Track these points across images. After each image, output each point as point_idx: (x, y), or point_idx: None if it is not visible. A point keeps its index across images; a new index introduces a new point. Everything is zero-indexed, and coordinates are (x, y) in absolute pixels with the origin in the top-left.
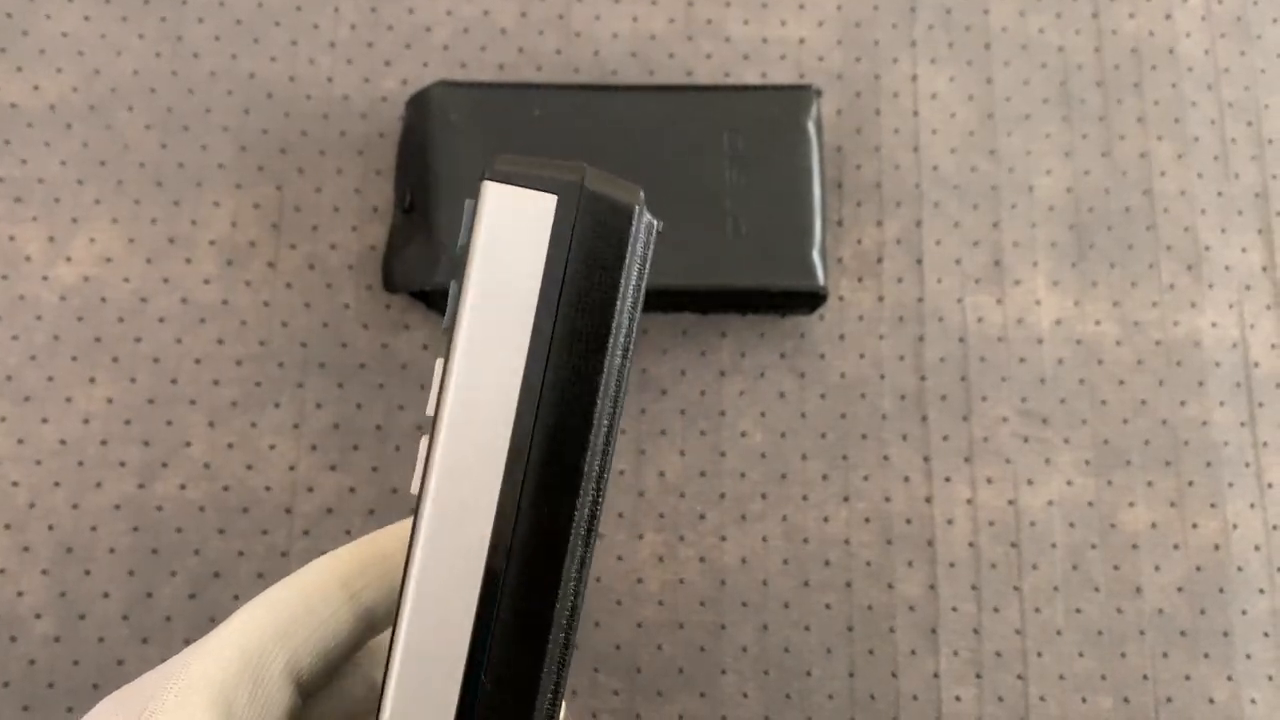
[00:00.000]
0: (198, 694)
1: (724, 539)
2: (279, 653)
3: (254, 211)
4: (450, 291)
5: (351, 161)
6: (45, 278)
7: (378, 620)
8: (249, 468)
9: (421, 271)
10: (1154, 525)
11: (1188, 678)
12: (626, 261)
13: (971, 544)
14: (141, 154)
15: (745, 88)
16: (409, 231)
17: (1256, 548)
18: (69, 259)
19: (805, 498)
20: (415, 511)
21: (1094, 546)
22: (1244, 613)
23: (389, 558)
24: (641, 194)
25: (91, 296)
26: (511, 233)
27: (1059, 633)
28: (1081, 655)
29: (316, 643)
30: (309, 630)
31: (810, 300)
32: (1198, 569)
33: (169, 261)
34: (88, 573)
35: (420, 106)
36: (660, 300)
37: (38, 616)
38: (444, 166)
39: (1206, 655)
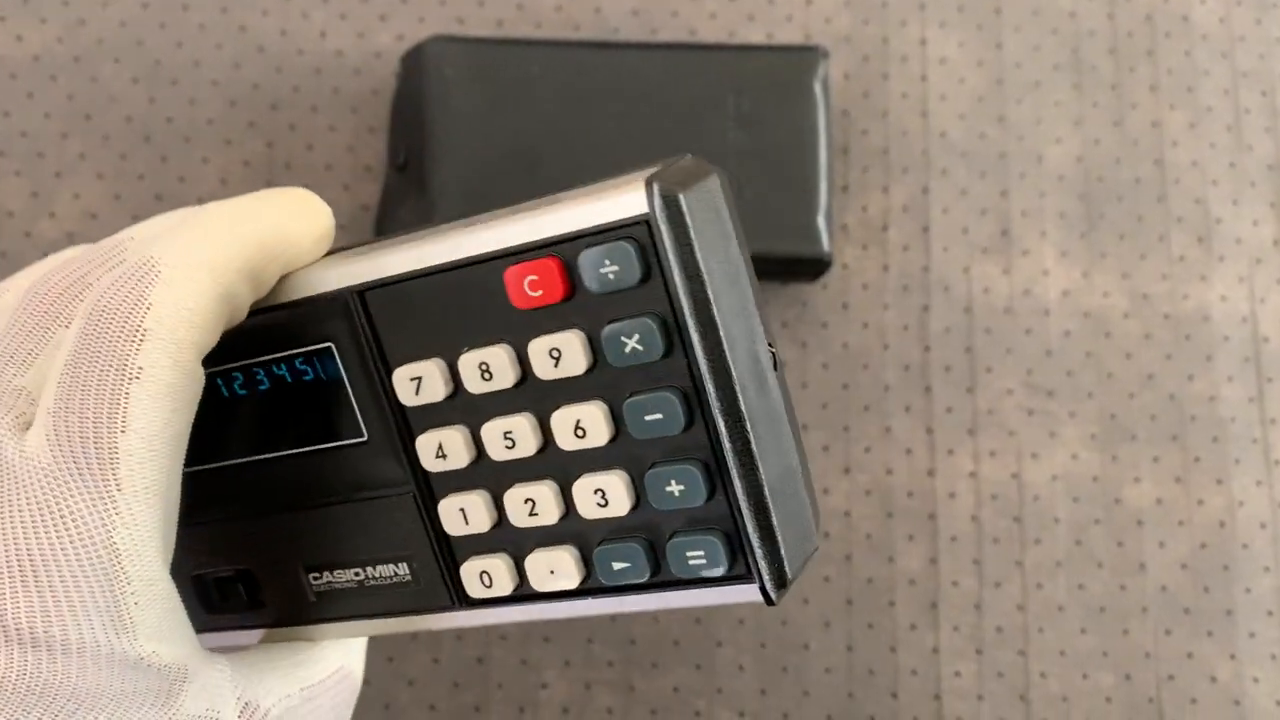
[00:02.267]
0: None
1: None
2: (177, 470)
3: (244, 169)
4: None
5: (344, 118)
6: (28, 234)
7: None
8: None
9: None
10: (1159, 501)
11: (1190, 656)
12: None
13: (974, 518)
14: (128, 108)
15: (750, 48)
16: (403, 190)
17: (1262, 525)
18: (52, 215)
19: None
20: None
21: (1098, 522)
22: (1248, 591)
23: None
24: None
25: None
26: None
27: (1061, 609)
28: (1083, 632)
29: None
30: (188, 422)
31: (813, 267)
32: (1202, 546)
33: None
34: None
35: (415, 62)
36: None
37: None
38: (439, 124)
39: (1209, 633)
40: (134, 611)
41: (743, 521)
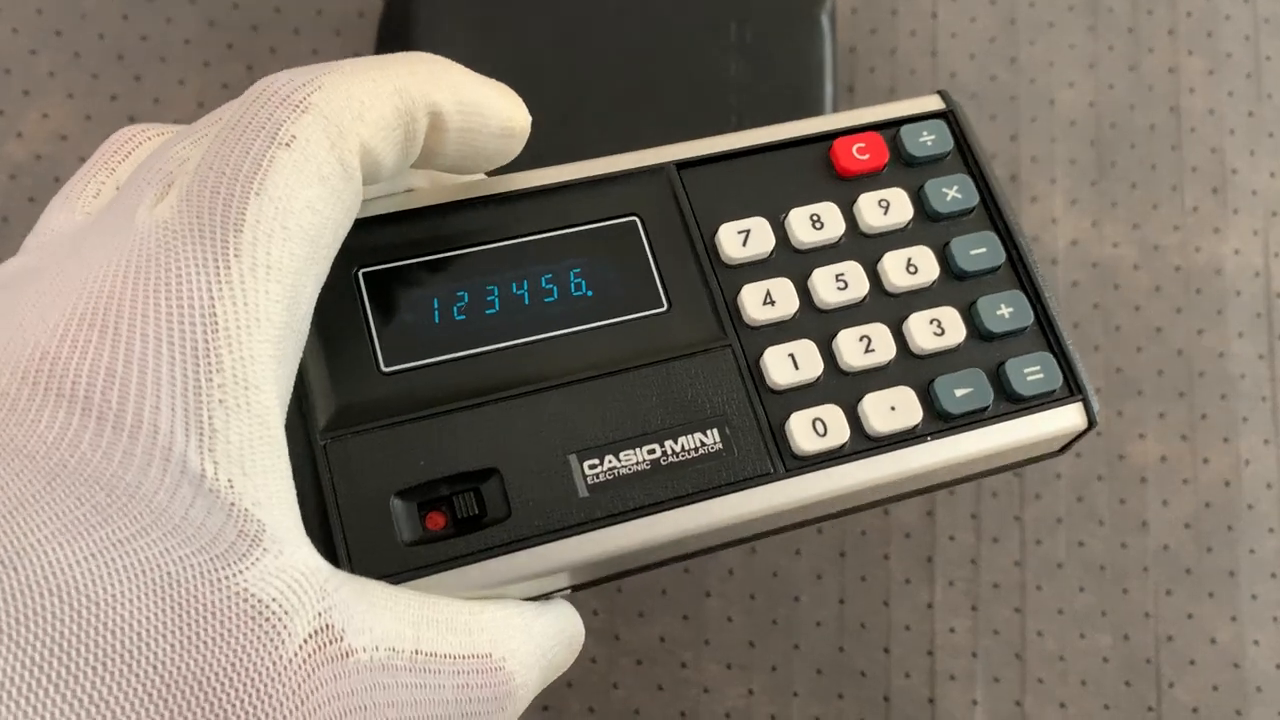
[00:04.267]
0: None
1: None
2: (312, 285)
3: (222, 92)
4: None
5: (328, 42)
6: None
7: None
8: None
9: None
10: (1163, 458)
11: (1190, 616)
12: None
13: None
14: (101, 24)
15: None
16: None
17: (1269, 485)
18: (20, 135)
19: None
20: None
21: (1100, 478)
22: (1252, 552)
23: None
24: None
25: (44, 176)
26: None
27: (1059, 566)
28: (1082, 590)
29: (337, 246)
30: (335, 237)
31: None
32: (1207, 505)
33: None
34: None
35: None
36: None
37: None
38: (427, 49)
39: (1211, 594)
40: (216, 412)
41: (1061, 340)
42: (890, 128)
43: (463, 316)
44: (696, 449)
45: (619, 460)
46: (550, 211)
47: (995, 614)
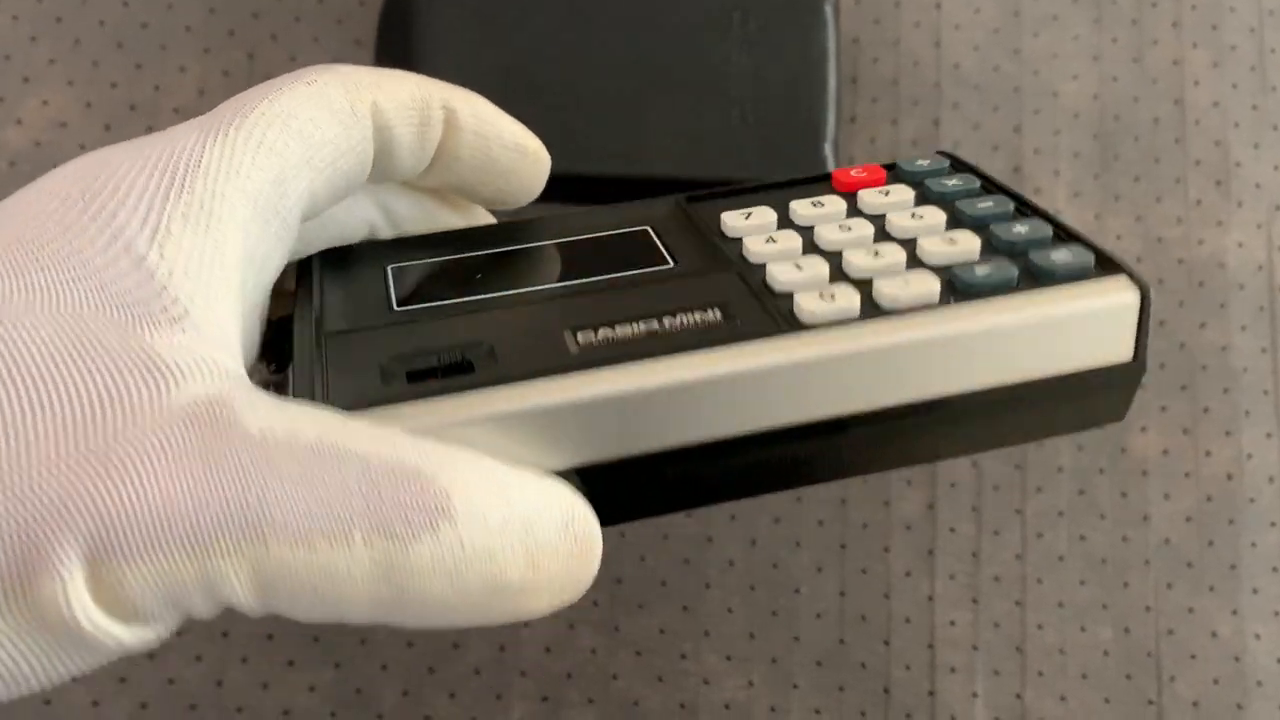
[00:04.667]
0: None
1: None
2: (301, 182)
3: (223, 79)
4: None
5: (329, 30)
6: None
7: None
8: None
9: None
10: (1165, 452)
11: (1191, 610)
12: None
13: (974, 464)
14: (101, 11)
15: None
16: None
17: (1270, 479)
18: (19, 122)
19: None
20: None
21: (1102, 471)
22: (1253, 545)
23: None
24: None
25: (44, 164)
26: None
27: (1061, 559)
28: (1083, 583)
29: (335, 174)
30: (333, 159)
31: None
32: (1208, 499)
33: (129, 129)
34: None
35: None
36: (658, 191)
37: None
38: (429, 39)
39: (1212, 588)
40: (174, 220)
41: (1086, 239)
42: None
43: (479, 275)
44: (696, 322)
45: (614, 331)
46: (568, 228)
47: (996, 607)
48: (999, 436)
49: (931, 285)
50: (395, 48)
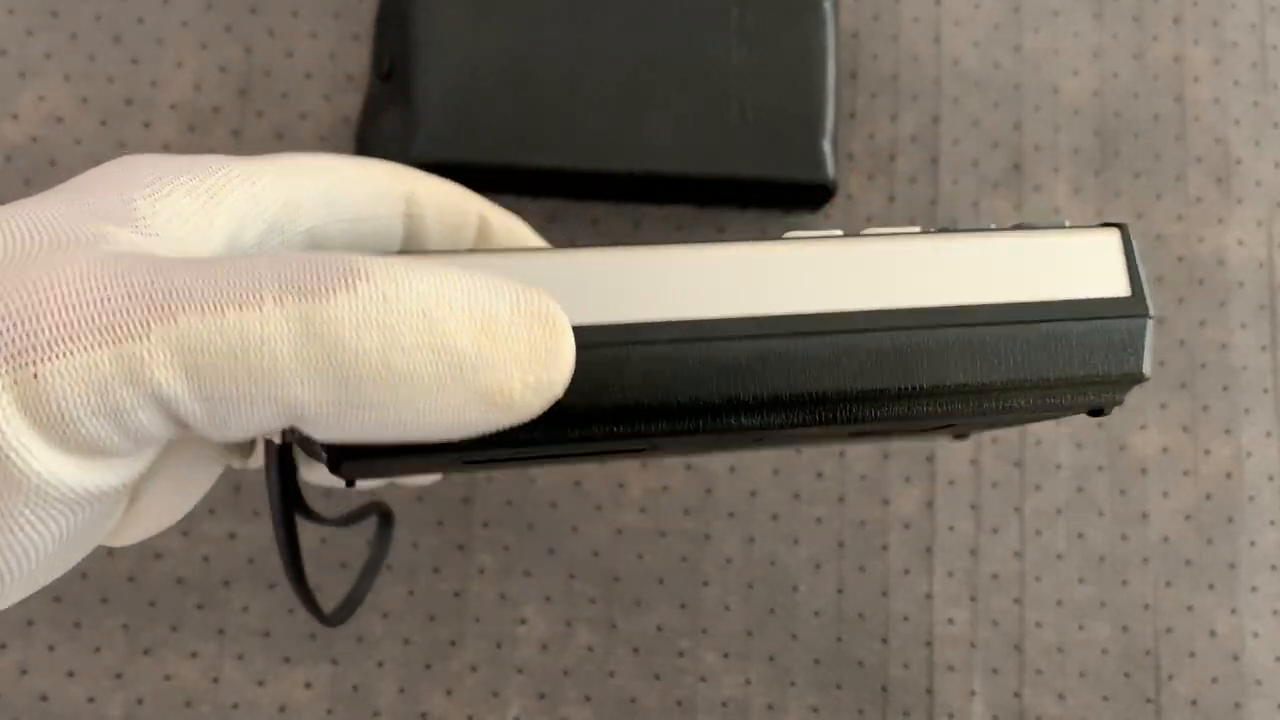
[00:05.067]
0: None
1: None
2: (316, 219)
3: (219, 75)
4: None
5: (326, 25)
6: None
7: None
8: None
9: (397, 144)
10: (1165, 449)
11: (1190, 608)
12: None
13: (973, 461)
14: (97, 5)
15: None
16: (385, 101)
17: (1270, 477)
18: (15, 117)
19: None
20: None
21: (1101, 469)
22: (1252, 544)
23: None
24: None
25: (40, 159)
26: None
27: (1059, 557)
28: (1081, 581)
29: (354, 235)
30: (354, 217)
31: (817, 195)
32: (1208, 497)
33: (126, 125)
34: None
35: None
36: (655, 189)
37: None
38: (427, 32)
39: (1211, 586)
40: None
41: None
42: None
43: None
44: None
45: None
46: None
47: (994, 605)
48: (1001, 395)
49: (911, 227)
50: (392, 43)
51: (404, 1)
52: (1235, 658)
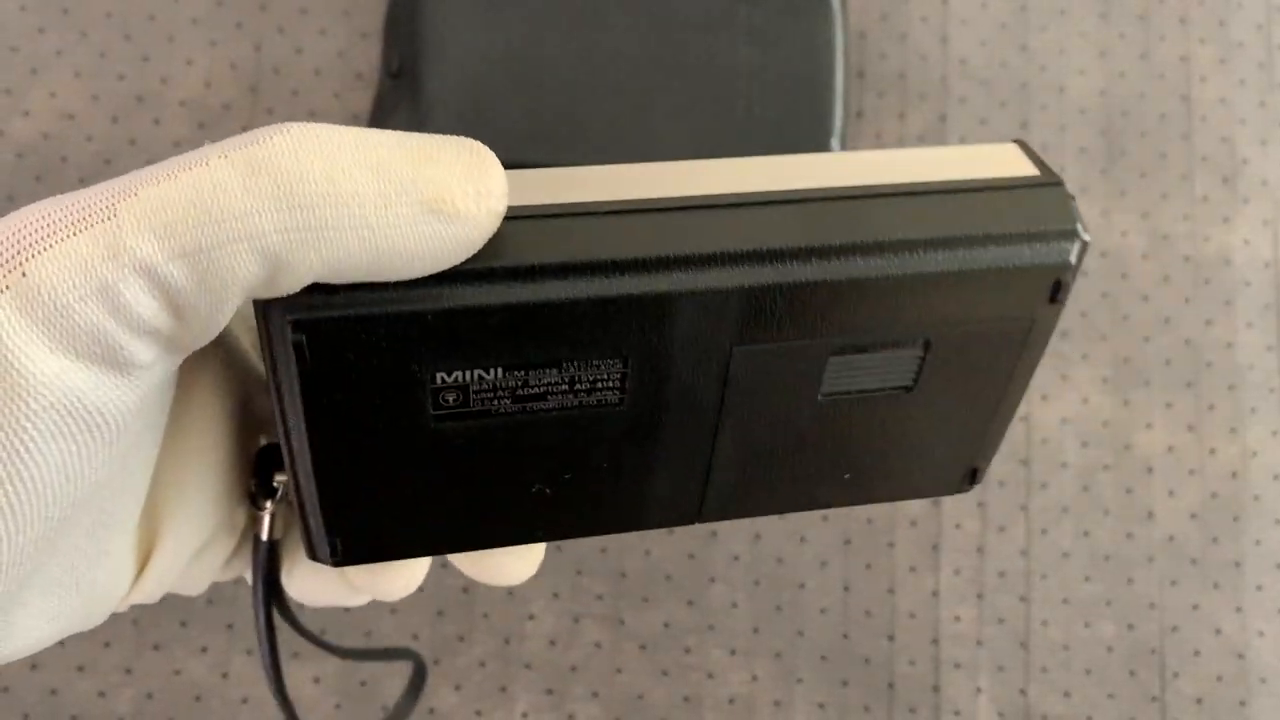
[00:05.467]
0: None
1: None
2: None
3: (230, 72)
4: None
5: (336, 22)
6: (0, 133)
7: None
8: None
9: None
10: (1170, 449)
11: (1195, 607)
12: None
13: None
14: (108, 2)
15: None
16: (395, 98)
17: (1275, 476)
18: (27, 113)
19: None
20: None
21: (1107, 468)
22: (1258, 543)
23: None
24: None
25: (51, 155)
26: None
27: (1065, 555)
28: (1087, 579)
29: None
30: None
31: None
32: (1213, 496)
33: (136, 121)
34: None
35: None
36: None
37: None
38: (436, 30)
39: (1216, 585)
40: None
41: None
42: None
43: None
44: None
45: None
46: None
47: (1001, 602)
48: (932, 250)
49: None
50: (402, 41)
51: (414, 0)
52: (1240, 656)
